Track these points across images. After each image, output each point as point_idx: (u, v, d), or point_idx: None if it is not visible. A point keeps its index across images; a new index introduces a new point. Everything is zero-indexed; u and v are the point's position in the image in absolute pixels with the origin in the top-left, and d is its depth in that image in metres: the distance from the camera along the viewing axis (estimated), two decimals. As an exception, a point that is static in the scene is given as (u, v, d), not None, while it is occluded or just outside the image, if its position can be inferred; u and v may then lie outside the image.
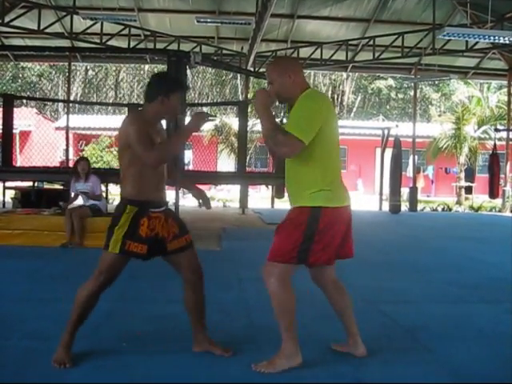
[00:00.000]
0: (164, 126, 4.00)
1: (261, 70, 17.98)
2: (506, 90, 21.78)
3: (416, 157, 20.64)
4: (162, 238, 3.53)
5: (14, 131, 14.26)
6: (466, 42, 15.76)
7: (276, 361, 3.40)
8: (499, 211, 19.30)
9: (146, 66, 36.50)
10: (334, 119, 3.54)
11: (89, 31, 16.28)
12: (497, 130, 19.64)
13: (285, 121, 12.12)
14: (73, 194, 9.03)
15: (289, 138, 3.26)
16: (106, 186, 13.17)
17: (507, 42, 13.74)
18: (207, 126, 24.20)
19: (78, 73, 40.60)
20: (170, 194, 9.83)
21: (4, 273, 6.31)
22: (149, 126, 3.49)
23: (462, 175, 24.28)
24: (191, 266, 3.65)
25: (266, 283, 3.42)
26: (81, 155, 26.92)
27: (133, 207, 3.44)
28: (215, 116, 4.01)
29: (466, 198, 23.86)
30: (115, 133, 26.82)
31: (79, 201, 8.92)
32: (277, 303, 3.39)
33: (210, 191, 23.74)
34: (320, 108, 3.37)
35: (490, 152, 18.17)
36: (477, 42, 15.78)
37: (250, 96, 19.43)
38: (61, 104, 38.33)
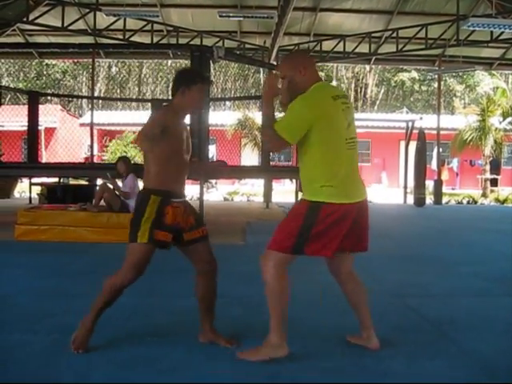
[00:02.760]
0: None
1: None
2: (531, 80, 21.48)
3: (440, 149, 20.48)
4: (181, 228, 3.61)
5: (39, 128, 14.40)
6: (491, 32, 15.58)
7: (261, 349, 3.45)
8: (526, 203, 19.09)
9: (169, 62, 36.68)
10: (339, 113, 3.44)
11: (112, 27, 16.39)
12: (523, 122, 19.40)
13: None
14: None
15: (274, 135, 3.39)
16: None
17: (533, 31, 13.56)
18: (231, 121, 24.27)
19: (102, 69, 40.87)
20: (194, 189, 9.81)
21: (32, 268, 6.39)
22: (172, 118, 3.57)
23: (488, 167, 24.02)
24: (205, 257, 3.72)
25: (262, 271, 3.46)
26: (105, 150, 27.24)
27: (156, 197, 3.52)
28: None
29: (492, 191, 23.62)
30: (139, 128, 27.07)
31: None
32: (270, 292, 3.42)
33: (234, 185, 23.81)
34: (311, 107, 3.37)
35: (516, 144, 17.97)
36: (502, 32, 15.57)
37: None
38: (85, 100, 38.60)
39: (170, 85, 3.73)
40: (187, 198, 3.83)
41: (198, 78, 3.66)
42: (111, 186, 9.10)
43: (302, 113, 3.37)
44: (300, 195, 3.74)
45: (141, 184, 3.99)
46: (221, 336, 3.74)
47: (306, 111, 3.37)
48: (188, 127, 3.64)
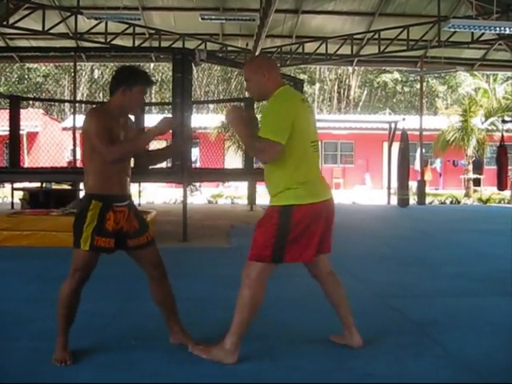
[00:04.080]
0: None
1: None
2: (512, 81, 21.65)
3: (423, 150, 20.59)
4: (125, 232, 3.54)
5: (21, 132, 14.28)
6: (472, 33, 15.70)
7: (213, 350, 3.48)
8: (508, 203, 19.23)
9: (152, 65, 36.56)
10: (307, 116, 3.54)
11: (93, 31, 16.34)
12: (504, 122, 19.49)
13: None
14: None
15: (266, 143, 3.32)
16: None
17: (513, 32, 13.66)
18: (214, 123, 24.19)
19: (84, 73, 40.68)
20: (178, 192, 9.79)
21: (13, 273, 6.33)
22: (111, 119, 3.47)
23: (470, 167, 24.19)
24: (152, 262, 3.67)
25: (242, 280, 3.48)
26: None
27: (97, 202, 3.43)
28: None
29: (475, 191, 23.80)
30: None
31: None
32: (243, 299, 3.45)
33: (218, 188, 23.76)
34: (288, 107, 3.42)
35: (498, 144, 18.09)
36: (482, 34, 15.73)
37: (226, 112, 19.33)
38: (67, 104, 38.40)
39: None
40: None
41: (141, 79, 3.53)
42: None
43: (286, 111, 3.39)
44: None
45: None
46: (190, 338, 3.71)
47: (287, 110, 3.40)
48: (170, 130, 3.56)
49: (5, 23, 15.41)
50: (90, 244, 3.40)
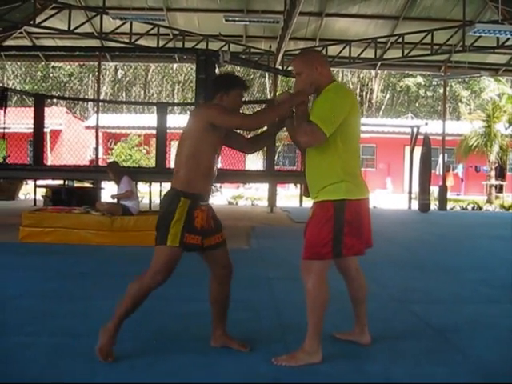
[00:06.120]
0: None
1: (289, 68, 17.98)
2: (537, 87, 21.42)
3: (446, 155, 20.45)
4: (205, 232, 3.58)
5: (45, 130, 14.42)
6: (497, 38, 15.58)
7: (297, 355, 3.46)
8: (531, 210, 19.03)
9: (175, 65, 36.72)
10: (358, 114, 3.57)
11: (118, 31, 16.45)
12: (528, 128, 19.33)
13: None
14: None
15: (313, 128, 3.32)
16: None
17: (539, 38, 13.52)
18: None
19: (108, 72, 40.94)
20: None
21: (35, 270, 6.39)
22: None
23: (493, 173, 23.98)
24: (221, 262, 3.71)
25: (304, 281, 3.49)
26: (110, 153, 27.24)
27: (186, 200, 3.48)
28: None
29: (497, 197, 23.58)
30: (144, 131, 27.10)
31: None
32: (312, 299, 3.46)
33: (239, 189, 23.77)
34: (344, 102, 3.43)
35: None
36: (508, 39, 15.57)
37: (277, 94, 19.37)
38: (90, 103, 38.71)
39: (212, 88, 3.71)
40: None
41: (238, 84, 3.67)
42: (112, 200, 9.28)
43: (342, 105, 3.40)
44: (304, 199, 3.74)
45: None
46: (234, 340, 3.72)
47: (343, 103, 3.42)
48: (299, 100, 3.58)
49: (32, 22, 15.58)
50: (180, 241, 3.43)
